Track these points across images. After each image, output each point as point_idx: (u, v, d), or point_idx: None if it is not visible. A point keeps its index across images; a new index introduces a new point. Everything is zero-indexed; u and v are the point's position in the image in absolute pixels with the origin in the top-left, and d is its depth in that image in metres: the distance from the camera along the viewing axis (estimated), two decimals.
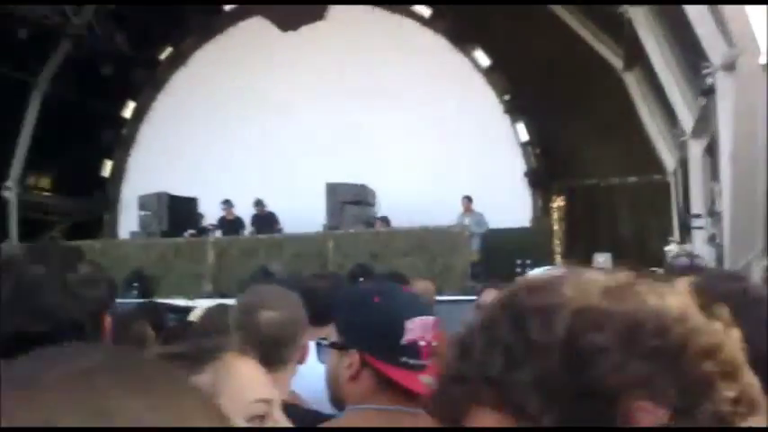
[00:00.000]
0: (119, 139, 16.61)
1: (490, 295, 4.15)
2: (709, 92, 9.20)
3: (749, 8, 8.94)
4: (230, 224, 12.22)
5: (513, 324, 0.63)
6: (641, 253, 11.64)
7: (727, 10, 8.71)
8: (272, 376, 1.61)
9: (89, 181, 16.29)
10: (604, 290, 0.63)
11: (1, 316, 1.36)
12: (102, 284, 1.50)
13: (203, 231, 12.01)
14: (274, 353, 1.75)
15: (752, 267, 6.66)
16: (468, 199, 12.02)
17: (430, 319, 1.52)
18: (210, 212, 12.62)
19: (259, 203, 12.38)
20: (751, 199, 7.32)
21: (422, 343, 1.47)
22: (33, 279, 1.40)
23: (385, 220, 11.49)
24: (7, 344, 1.28)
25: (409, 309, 1.52)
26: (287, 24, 15.44)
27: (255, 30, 15.48)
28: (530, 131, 13.91)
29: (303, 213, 11.61)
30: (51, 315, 1.37)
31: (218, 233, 11.95)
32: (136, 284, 10.13)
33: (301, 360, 1.90)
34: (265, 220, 12.20)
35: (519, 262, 9.00)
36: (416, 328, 1.48)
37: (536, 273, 3.59)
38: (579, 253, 10.63)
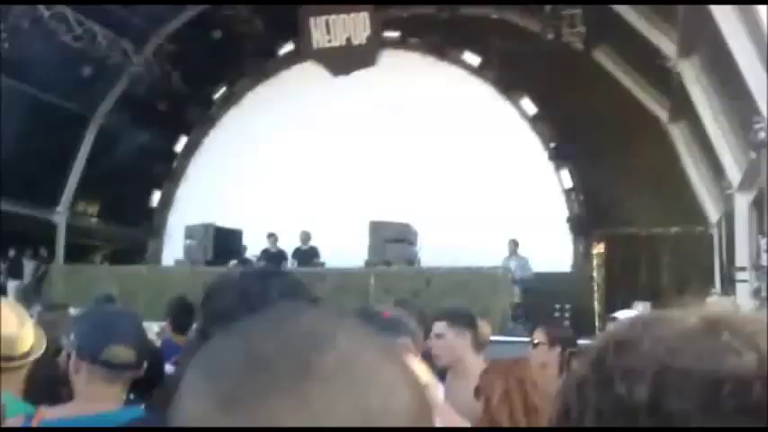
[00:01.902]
0: (169, 172, 17.14)
1: (540, 336, 4.08)
2: (760, 146, 9.17)
3: None
4: (273, 257, 12.41)
5: (601, 386, 0.61)
6: (681, 303, 11.36)
7: None
8: None
9: (137, 210, 16.79)
10: (684, 339, 0.60)
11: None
12: None
13: (246, 262, 12.22)
14: None
15: None
16: (514, 243, 12.05)
17: None
18: (254, 245, 12.85)
19: (304, 235, 12.58)
20: None
21: None
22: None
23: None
24: None
25: None
26: (338, 69, 15.90)
27: (307, 73, 15.96)
28: (573, 178, 13.97)
29: (345, 250, 11.77)
30: None
31: (262, 265, 12.15)
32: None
33: None
34: (307, 254, 12.38)
35: (558, 306, 8.95)
36: None
37: (623, 316, 3.58)
38: (618, 300, 10.50)
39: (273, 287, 1.47)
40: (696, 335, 0.60)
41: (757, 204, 9.26)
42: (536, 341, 3.96)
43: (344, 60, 15.78)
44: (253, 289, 1.47)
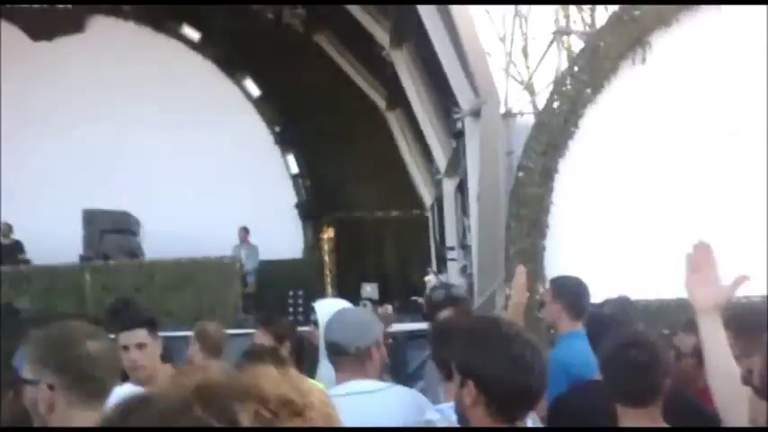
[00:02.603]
0: None
1: (260, 338, 4.02)
2: (459, 135, 10.18)
3: (491, 62, 10.08)
4: None
5: None
6: (405, 283, 12.46)
7: (472, 61, 9.71)
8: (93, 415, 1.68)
9: None
10: (162, 419, 0.62)
11: None
12: None
13: None
14: (97, 385, 1.73)
15: (496, 296, 7.50)
16: (245, 230, 11.90)
17: None
18: None
19: (5, 228, 11.10)
20: (494, 234, 8.24)
21: None
22: None
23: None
24: None
25: None
26: (40, 33, 14.19)
27: (7, 35, 13.93)
28: (299, 164, 14.23)
29: (56, 243, 10.64)
30: None
31: None
32: None
33: None
34: (9, 250, 10.94)
35: (291, 293, 9.14)
36: None
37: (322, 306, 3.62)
38: (349, 283, 11.07)
39: None
40: (170, 414, 0.61)
41: (460, 188, 10.30)
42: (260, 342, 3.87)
43: (47, 24, 14.14)
44: None
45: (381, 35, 12.74)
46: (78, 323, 1.93)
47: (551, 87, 9.48)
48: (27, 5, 13.87)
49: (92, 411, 1.70)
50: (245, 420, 0.59)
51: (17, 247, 11.13)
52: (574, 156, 8.24)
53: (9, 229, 11.22)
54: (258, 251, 11.68)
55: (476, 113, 9.58)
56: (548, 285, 3.60)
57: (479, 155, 9.23)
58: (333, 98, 13.41)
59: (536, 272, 7.16)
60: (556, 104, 9.12)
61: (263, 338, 3.92)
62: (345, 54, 14.07)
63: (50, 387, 1.67)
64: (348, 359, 2.47)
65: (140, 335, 3.08)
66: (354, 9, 12.77)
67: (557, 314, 3.46)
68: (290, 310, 8.71)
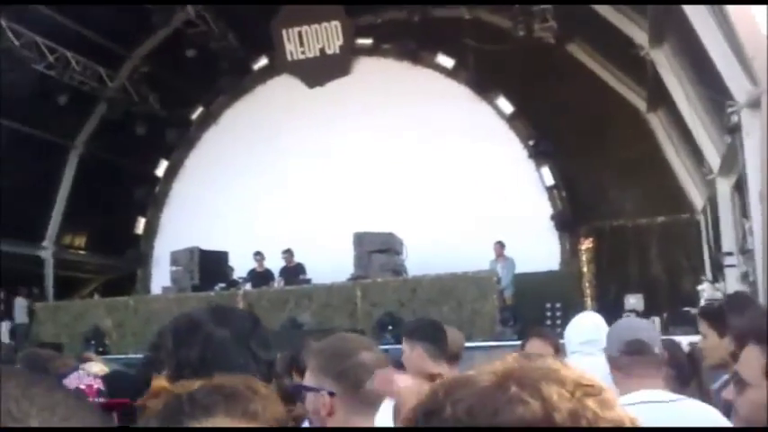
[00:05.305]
0: (152, 197, 17.00)
1: (534, 346, 3.88)
2: (734, 129, 9.13)
3: None
4: (260, 276, 12.32)
5: None
6: (673, 292, 11.42)
7: (749, 48, 8.72)
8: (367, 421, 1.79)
9: (123, 238, 16.59)
10: (479, 398, 0.67)
11: (192, 375, 1.41)
12: (273, 348, 1.60)
13: (234, 284, 12.13)
14: (371, 393, 1.81)
15: None
16: (500, 244, 11.97)
17: None
18: (241, 265, 12.76)
19: (287, 253, 12.50)
20: None
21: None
22: (222, 341, 1.51)
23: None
24: None
25: None
26: (314, 80, 15.86)
27: (283, 87, 15.92)
28: (555, 175, 13.90)
29: (331, 263, 11.68)
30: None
31: (248, 285, 12.05)
32: None
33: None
34: (293, 271, 12.29)
35: (549, 306, 8.89)
36: None
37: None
38: (610, 295, 10.44)
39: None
40: (489, 392, 0.67)
41: (738, 188, 9.22)
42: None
43: (319, 71, 15.75)
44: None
45: (639, 35, 12.02)
46: (353, 335, 2.08)
47: None
48: None
49: (365, 417, 1.79)
50: (554, 397, 0.65)
51: (299, 269, 12.43)
52: None
53: (290, 254, 12.58)
54: (514, 264, 11.58)
55: (755, 104, 8.57)
56: None
57: (761, 149, 8.21)
58: (588, 106, 12.92)
59: None
60: None
61: (540, 348, 3.85)
62: (600, 60, 13.51)
63: (331, 394, 1.78)
64: (647, 360, 2.38)
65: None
66: (608, 12, 12.24)
67: None
68: (548, 323, 8.45)
